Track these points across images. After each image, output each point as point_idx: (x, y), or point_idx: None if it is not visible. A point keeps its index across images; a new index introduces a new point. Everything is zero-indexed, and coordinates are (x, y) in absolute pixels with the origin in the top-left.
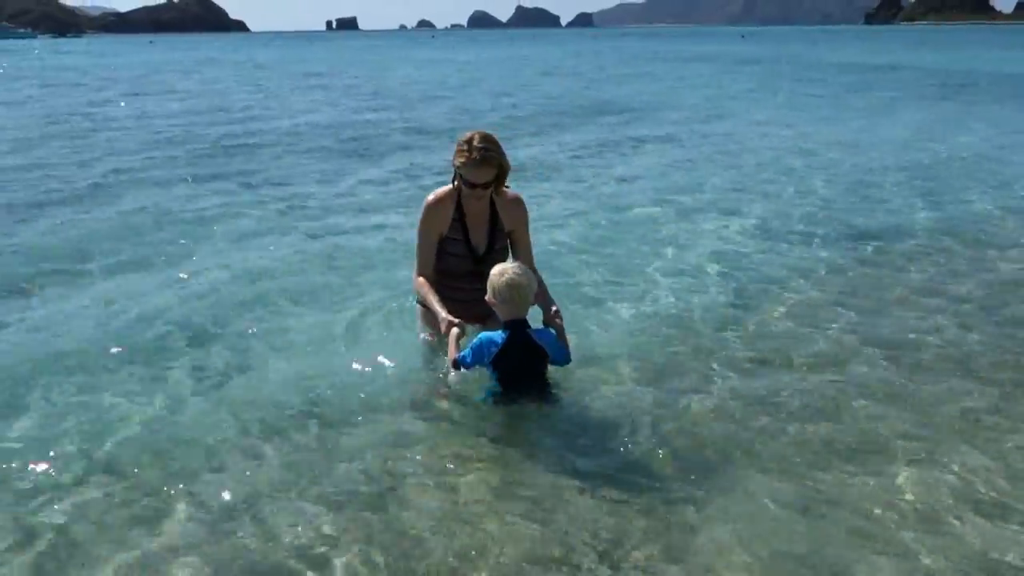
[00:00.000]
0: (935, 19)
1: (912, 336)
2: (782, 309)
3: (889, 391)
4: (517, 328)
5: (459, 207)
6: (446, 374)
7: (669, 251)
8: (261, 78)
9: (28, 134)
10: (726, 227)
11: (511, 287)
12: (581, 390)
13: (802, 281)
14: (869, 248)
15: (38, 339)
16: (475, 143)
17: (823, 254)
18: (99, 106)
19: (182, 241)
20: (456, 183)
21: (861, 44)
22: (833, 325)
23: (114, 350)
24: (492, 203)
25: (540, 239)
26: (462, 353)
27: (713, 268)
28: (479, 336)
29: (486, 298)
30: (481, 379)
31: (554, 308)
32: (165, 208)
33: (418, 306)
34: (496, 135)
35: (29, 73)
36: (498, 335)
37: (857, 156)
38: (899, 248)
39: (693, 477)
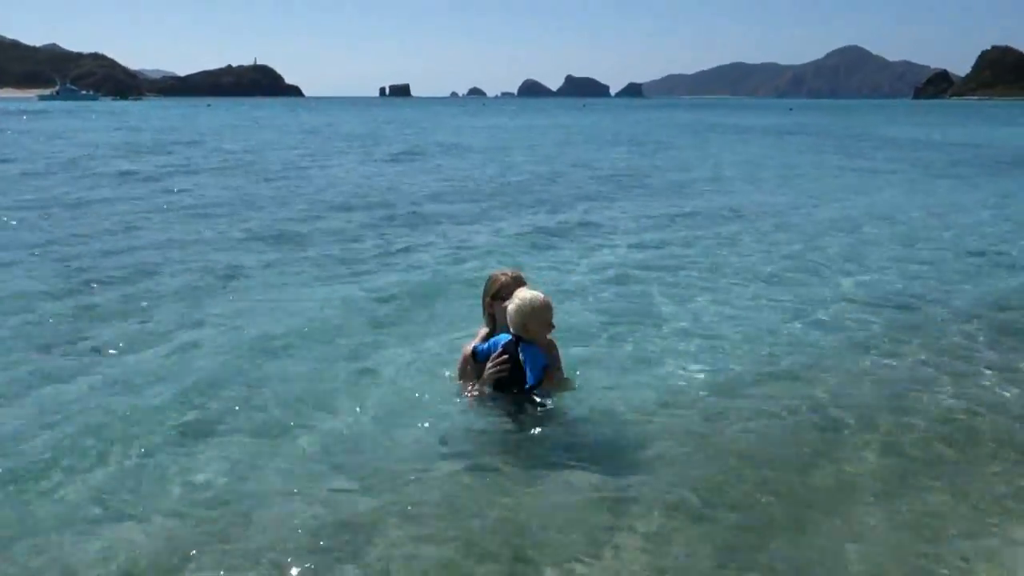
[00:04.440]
0: (985, 94)
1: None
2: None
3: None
4: (517, 340)
5: None
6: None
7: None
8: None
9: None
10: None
11: (519, 314)
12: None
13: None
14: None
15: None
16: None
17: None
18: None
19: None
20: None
21: (913, 118)
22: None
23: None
24: None
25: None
26: (479, 347)
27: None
28: (495, 339)
29: (503, 305)
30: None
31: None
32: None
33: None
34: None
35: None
36: (503, 338)
37: None
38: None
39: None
